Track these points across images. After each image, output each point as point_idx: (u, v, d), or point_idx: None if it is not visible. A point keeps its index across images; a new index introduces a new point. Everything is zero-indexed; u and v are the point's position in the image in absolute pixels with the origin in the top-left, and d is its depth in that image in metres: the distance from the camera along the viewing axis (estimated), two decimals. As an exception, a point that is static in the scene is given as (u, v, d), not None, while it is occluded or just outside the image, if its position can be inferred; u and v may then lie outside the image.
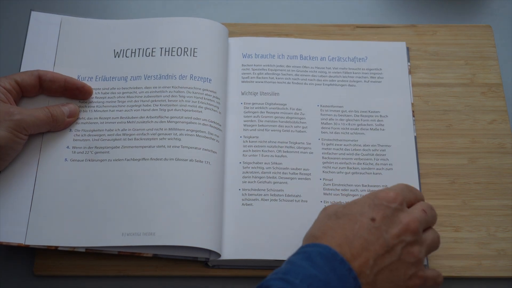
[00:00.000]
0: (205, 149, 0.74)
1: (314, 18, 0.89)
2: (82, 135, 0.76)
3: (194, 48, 0.80)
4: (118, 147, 0.75)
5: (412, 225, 0.62)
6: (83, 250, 0.71)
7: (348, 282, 0.58)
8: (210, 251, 0.71)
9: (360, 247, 0.60)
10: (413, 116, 0.81)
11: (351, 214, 0.63)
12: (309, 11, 0.90)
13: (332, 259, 0.59)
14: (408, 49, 0.85)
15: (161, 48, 0.80)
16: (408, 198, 0.66)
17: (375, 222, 0.62)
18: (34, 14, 0.81)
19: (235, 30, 0.85)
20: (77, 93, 0.77)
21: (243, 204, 0.74)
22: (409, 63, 0.84)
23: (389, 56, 0.84)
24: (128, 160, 0.74)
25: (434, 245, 0.66)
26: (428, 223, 0.65)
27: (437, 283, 0.64)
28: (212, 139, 0.75)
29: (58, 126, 0.75)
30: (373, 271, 0.60)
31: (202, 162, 0.74)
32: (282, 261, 0.63)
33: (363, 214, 0.62)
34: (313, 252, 0.60)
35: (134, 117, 0.76)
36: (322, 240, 0.61)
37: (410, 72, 0.84)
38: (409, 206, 0.66)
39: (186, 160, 0.73)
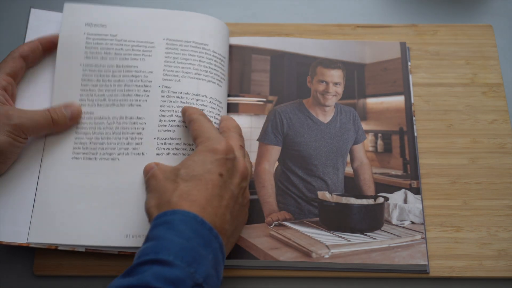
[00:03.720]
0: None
1: (314, 18, 0.89)
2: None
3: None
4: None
5: (245, 171, 0.67)
6: (83, 249, 0.70)
7: (213, 241, 0.61)
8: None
9: (217, 206, 0.63)
10: (414, 116, 0.81)
11: (198, 174, 0.64)
12: (309, 11, 0.90)
13: (194, 222, 0.60)
14: (408, 48, 0.85)
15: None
16: (231, 136, 0.70)
17: (223, 177, 0.64)
18: (34, 12, 0.81)
19: (235, 30, 0.85)
20: (55, 46, 0.78)
21: None
22: (409, 63, 0.84)
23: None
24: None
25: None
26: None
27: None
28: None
29: (59, 129, 0.74)
30: (231, 224, 0.64)
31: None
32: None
33: (210, 172, 0.64)
34: (175, 220, 0.60)
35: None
36: (181, 206, 0.62)
37: (410, 72, 0.84)
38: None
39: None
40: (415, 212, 0.75)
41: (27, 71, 0.77)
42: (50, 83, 0.78)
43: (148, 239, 0.61)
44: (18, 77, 0.75)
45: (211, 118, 0.76)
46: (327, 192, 0.77)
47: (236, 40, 0.85)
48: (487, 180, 0.78)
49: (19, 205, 0.71)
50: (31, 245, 0.70)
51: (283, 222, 0.75)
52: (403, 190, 0.77)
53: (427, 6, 0.91)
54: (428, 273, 0.73)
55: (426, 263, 0.73)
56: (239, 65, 0.84)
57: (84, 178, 0.73)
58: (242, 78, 0.83)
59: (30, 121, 0.71)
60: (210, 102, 0.77)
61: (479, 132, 0.81)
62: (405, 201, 0.76)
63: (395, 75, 0.83)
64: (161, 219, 0.61)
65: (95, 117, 0.76)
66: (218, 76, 0.79)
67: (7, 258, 0.74)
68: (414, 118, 0.81)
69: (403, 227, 0.75)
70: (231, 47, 0.84)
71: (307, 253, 0.72)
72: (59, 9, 0.82)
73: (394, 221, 0.75)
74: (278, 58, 0.85)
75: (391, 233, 0.74)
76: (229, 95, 0.81)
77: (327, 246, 0.72)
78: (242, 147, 0.70)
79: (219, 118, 0.77)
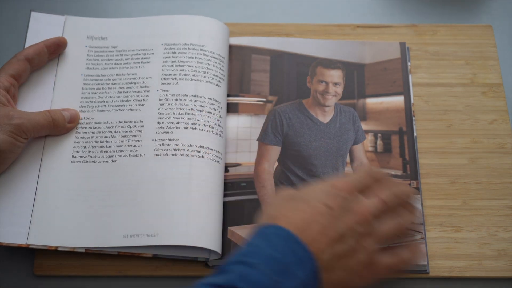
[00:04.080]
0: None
1: (314, 18, 0.89)
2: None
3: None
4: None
5: (363, 216, 0.63)
6: (83, 250, 0.71)
7: (306, 262, 0.59)
8: (210, 251, 0.71)
9: (317, 232, 0.61)
10: (413, 116, 0.81)
11: (308, 199, 0.63)
12: (309, 11, 0.90)
13: (290, 240, 0.59)
14: (408, 48, 0.85)
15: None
16: (366, 185, 0.65)
17: (331, 210, 0.62)
18: (34, 15, 0.81)
19: (235, 30, 0.86)
20: (59, 49, 0.79)
21: None
22: (409, 63, 0.84)
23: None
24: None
25: (393, 235, 0.65)
26: (387, 212, 0.65)
27: (397, 268, 0.64)
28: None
29: (59, 131, 0.75)
30: (329, 256, 0.61)
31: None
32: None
33: (320, 201, 0.63)
34: (272, 233, 0.60)
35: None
36: (279, 221, 0.61)
37: (410, 72, 0.84)
38: (371, 191, 0.65)
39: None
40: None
41: (31, 74, 0.77)
42: (51, 88, 0.78)
43: (244, 244, 0.61)
44: (21, 79, 0.76)
45: (209, 119, 0.76)
46: None
47: (236, 40, 0.85)
48: (487, 180, 0.78)
49: (18, 207, 0.72)
50: (30, 246, 0.70)
51: None
52: None
53: (427, 6, 0.91)
54: (428, 273, 0.73)
55: (426, 263, 0.73)
56: (239, 65, 0.84)
57: (83, 180, 0.73)
58: (242, 78, 0.83)
59: (30, 121, 0.72)
60: (208, 102, 0.77)
61: (478, 132, 0.81)
62: None
63: (395, 75, 0.83)
64: (258, 229, 0.62)
65: (95, 122, 0.77)
66: (217, 76, 0.79)
67: (7, 258, 0.74)
68: (413, 118, 0.81)
69: None
70: (231, 47, 0.84)
71: None
72: (60, 12, 0.83)
73: None
74: (278, 58, 0.85)
75: None
76: (229, 95, 0.81)
77: None
78: (384, 202, 0.64)
79: (218, 118, 0.77)
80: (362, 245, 0.62)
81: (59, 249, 0.71)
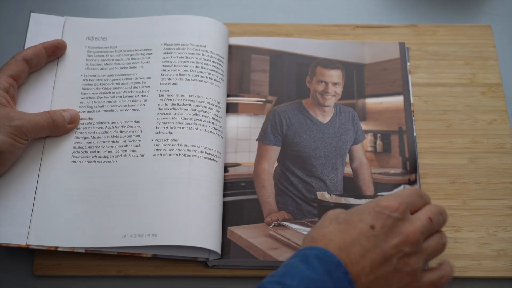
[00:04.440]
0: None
1: (314, 18, 0.89)
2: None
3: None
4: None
5: (412, 237, 0.61)
6: (83, 250, 0.71)
7: (343, 285, 0.58)
8: (209, 251, 0.71)
9: (358, 254, 0.60)
10: (413, 116, 0.81)
11: (351, 220, 0.62)
12: (309, 11, 0.90)
13: (329, 262, 0.59)
14: (408, 49, 0.85)
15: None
16: (414, 204, 0.64)
17: (374, 230, 0.61)
18: (34, 16, 0.81)
19: (234, 30, 0.86)
20: (58, 51, 0.79)
21: None
22: (409, 63, 0.84)
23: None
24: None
25: (437, 252, 0.64)
26: (433, 230, 0.64)
27: (441, 284, 0.63)
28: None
29: (59, 131, 0.75)
30: (369, 278, 0.60)
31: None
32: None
33: (362, 221, 0.61)
34: (310, 254, 0.60)
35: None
36: (320, 243, 0.61)
37: (410, 72, 0.84)
38: (417, 210, 0.64)
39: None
40: None
41: (29, 75, 0.77)
42: (51, 88, 0.78)
43: (282, 265, 0.61)
44: (20, 80, 0.76)
45: (209, 119, 0.76)
46: (326, 193, 0.77)
47: (236, 40, 0.85)
48: (487, 180, 0.78)
49: (18, 207, 0.72)
50: (30, 247, 0.70)
51: (282, 222, 0.75)
52: (402, 186, 0.77)
53: (426, 6, 0.91)
54: (427, 273, 0.73)
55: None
56: (239, 65, 0.84)
57: (83, 180, 0.73)
58: (242, 78, 0.83)
59: (30, 123, 0.72)
60: (207, 102, 0.77)
61: (478, 132, 0.81)
62: None
63: (394, 75, 0.83)
64: (299, 251, 0.61)
65: (94, 122, 0.77)
66: (217, 76, 0.79)
67: (7, 258, 0.74)
68: (413, 118, 0.81)
69: None
70: (231, 47, 0.84)
71: None
72: (59, 13, 0.83)
73: None
74: (277, 58, 0.85)
75: None
76: (228, 95, 0.81)
77: None
78: (431, 220, 0.63)
79: (218, 118, 0.77)
80: (408, 264, 0.61)
81: (59, 249, 0.71)
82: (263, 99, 0.83)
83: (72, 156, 0.75)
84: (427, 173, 0.78)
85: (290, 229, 0.75)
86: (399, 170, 0.78)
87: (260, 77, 0.84)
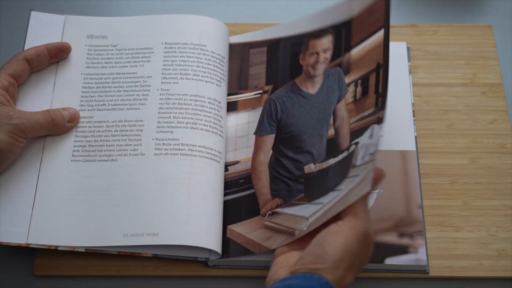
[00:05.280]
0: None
1: (314, 18, 0.89)
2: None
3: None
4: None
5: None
6: (83, 250, 0.71)
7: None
8: (210, 251, 0.71)
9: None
10: (413, 116, 0.81)
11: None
12: (308, 11, 0.90)
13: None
14: (408, 49, 0.85)
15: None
16: None
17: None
18: (34, 14, 0.81)
19: (235, 30, 0.86)
20: (61, 53, 0.79)
21: None
22: (409, 63, 0.84)
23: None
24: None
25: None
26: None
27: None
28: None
29: (58, 130, 0.75)
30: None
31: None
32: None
33: None
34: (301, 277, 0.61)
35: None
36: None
37: (410, 72, 0.84)
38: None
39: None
40: (375, 142, 0.69)
41: (30, 75, 0.77)
42: (51, 87, 0.78)
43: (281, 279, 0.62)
44: (20, 79, 0.76)
45: (210, 119, 0.76)
46: (312, 164, 0.76)
47: (235, 38, 0.84)
48: (487, 180, 0.78)
49: (18, 206, 0.72)
50: (30, 246, 0.70)
51: (276, 210, 0.75)
52: (370, 126, 0.72)
53: (427, 6, 0.91)
54: (428, 273, 0.73)
55: (426, 263, 0.73)
56: (238, 63, 0.84)
57: (83, 179, 0.73)
58: (241, 75, 0.83)
59: (30, 121, 0.72)
60: (208, 102, 0.77)
61: (478, 132, 0.81)
62: (371, 136, 0.71)
63: (378, 14, 0.75)
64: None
65: (95, 121, 0.77)
66: (217, 76, 0.79)
67: (7, 258, 0.74)
68: (413, 118, 0.80)
69: (363, 164, 0.69)
70: (230, 46, 0.84)
71: (291, 233, 0.71)
72: (59, 11, 0.83)
73: (358, 163, 0.70)
74: (274, 45, 0.83)
75: (352, 176, 0.69)
76: (228, 94, 0.81)
77: (306, 218, 0.71)
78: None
79: (218, 118, 0.77)
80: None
81: (59, 248, 0.70)
82: (260, 91, 0.82)
83: (73, 155, 0.75)
84: (427, 173, 0.78)
85: (282, 214, 0.73)
86: (372, 110, 0.73)
87: (258, 70, 0.83)
